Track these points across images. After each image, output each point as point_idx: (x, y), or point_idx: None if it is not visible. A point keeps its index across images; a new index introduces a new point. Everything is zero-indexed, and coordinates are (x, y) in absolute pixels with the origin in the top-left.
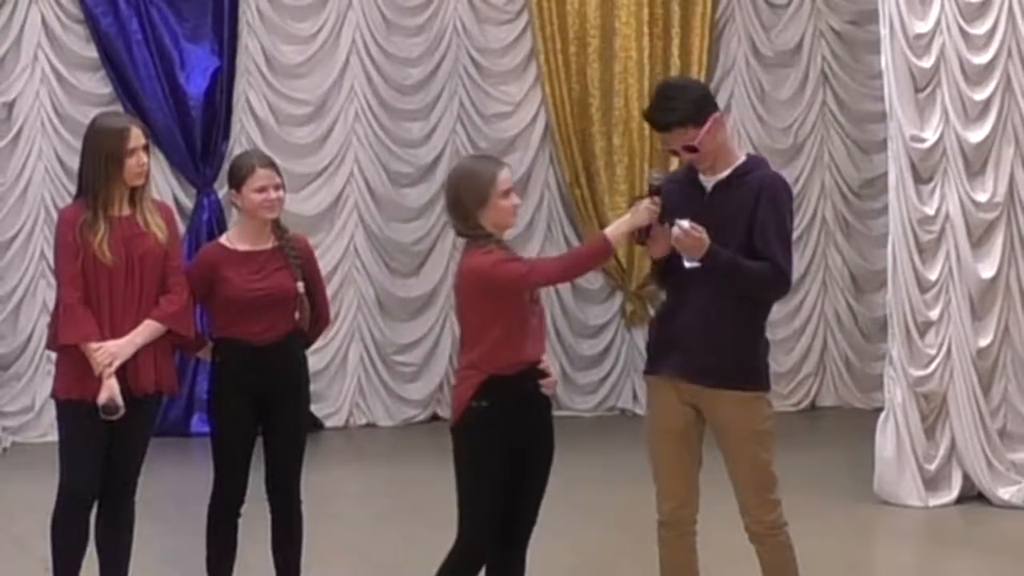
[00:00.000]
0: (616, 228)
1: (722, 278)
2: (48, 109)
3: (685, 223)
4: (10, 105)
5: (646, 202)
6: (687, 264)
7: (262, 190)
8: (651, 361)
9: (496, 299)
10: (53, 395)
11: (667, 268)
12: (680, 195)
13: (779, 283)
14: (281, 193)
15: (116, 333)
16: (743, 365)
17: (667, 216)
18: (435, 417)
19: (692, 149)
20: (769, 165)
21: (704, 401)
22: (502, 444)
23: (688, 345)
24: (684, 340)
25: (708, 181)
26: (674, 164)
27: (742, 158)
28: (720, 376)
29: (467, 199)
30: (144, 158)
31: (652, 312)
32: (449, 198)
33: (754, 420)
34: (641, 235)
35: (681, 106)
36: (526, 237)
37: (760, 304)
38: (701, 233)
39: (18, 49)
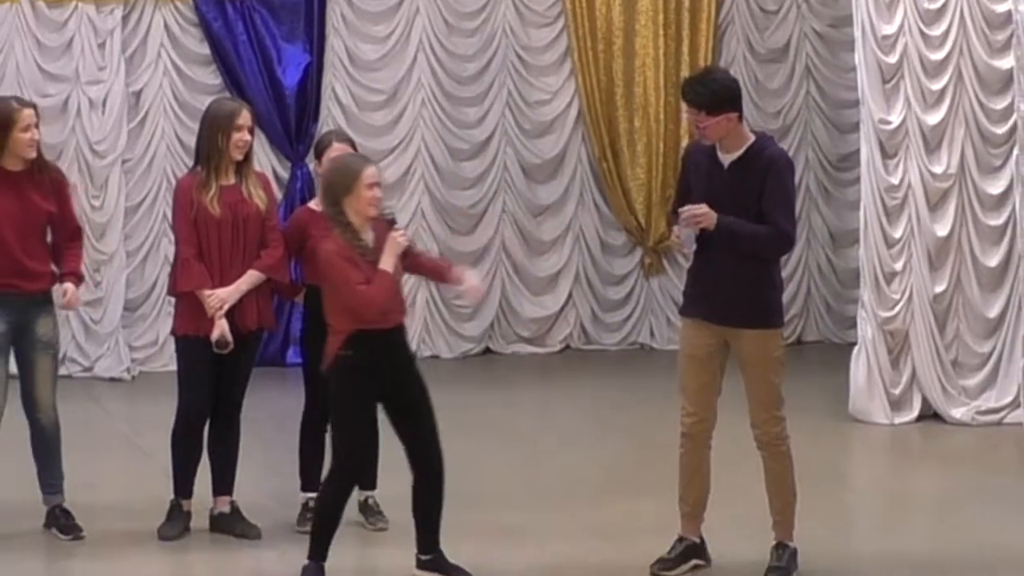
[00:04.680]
0: (385, 260)
1: (731, 241)
2: (169, 97)
3: (685, 211)
4: (138, 94)
5: (395, 233)
6: (689, 240)
7: None
8: (686, 306)
9: (328, 279)
10: (173, 332)
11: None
12: (703, 170)
13: (782, 241)
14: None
15: (225, 281)
16: (761, 309)
17: (689, 193)
18: (488, 351)
19: (700, 128)
20: (775, 142)
21: (730, 336)
22: (368, 384)
23: (716, 297)
24: (713, 292)
25: (725, 159)
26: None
27: (752, 139)
28: (743, 319)
29: (337, 186)
30: (248, 136)
31: (667, 264)
32: (322, 184)
33: (769, 350)
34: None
35: (701, 91)
36: (562, 203)
37: (772, 260)
38: (701, 209)
39: (145, 47)
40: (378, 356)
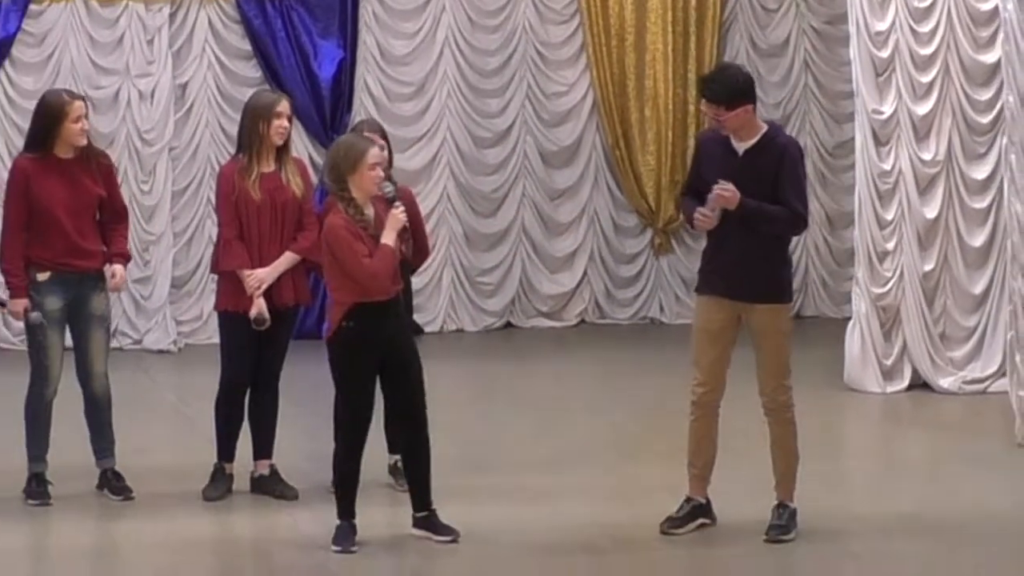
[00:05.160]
0: (387, 235)
1: (753, 222)
2: (213, 89)
3: (716, 187)
4: (184, 86)
5: (395, 210)
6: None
7: None
8: (701, 284)
9: (334, 253)
10: (215, 308)
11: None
12: (717, 158)
13: (798, 222)
14: (385, 153)
15: (264, 261)
16: (774, 285)
17: (704, 178)
18: (509, 325)
19: (720, 122)
20: (785, 130)
21: (744, 310)
22: (366, 353)
23: (731, 274)
24: (728, 270)
25: (740, 147)
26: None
27: (764, 127)
28: (757, 295)
29: (342, 164)
30: (287, 123)
31: (675, 244)
32: (328, 162)
33: (780, 323)
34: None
35: (718, 88)
36: (578, 187)
37: (782, 239)
38: (731, 188)
39: (191, 43)
40: (377, 327)
